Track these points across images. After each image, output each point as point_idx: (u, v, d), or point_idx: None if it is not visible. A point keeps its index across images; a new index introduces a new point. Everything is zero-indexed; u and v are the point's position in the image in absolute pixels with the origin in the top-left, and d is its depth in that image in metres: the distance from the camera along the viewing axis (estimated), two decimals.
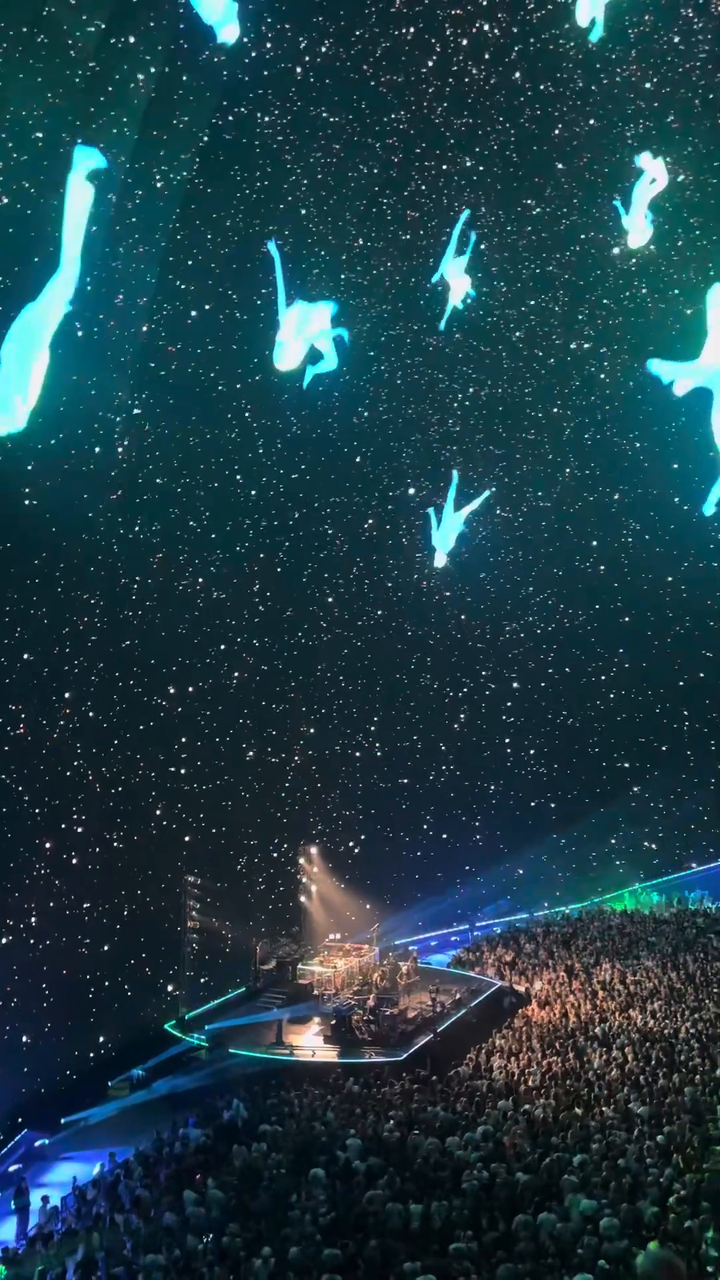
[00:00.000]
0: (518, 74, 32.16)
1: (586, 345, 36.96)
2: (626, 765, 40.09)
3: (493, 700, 38.16)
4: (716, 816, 39.84)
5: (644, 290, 35.90)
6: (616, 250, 33.91)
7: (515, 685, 38.51)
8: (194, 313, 27.64)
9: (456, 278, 25.79)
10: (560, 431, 38.00)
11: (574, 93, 32.79)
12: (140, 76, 24.35)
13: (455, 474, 27.28)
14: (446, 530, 26.82)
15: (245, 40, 25.28)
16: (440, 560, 27.75)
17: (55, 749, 24.17)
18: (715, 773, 39.65)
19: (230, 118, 27.51)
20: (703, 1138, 15.65)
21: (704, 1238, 12.14)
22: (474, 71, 31.81)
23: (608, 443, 38.35)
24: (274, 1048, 23.14)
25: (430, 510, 27.66)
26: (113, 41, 23.65)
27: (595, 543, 39.10)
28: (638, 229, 25.46)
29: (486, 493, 29.50)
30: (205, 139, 26.81)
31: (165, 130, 25.43)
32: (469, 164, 32.86)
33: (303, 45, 28.22)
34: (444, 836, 36.31)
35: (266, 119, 28.43)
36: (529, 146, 33.38)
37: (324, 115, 29.37)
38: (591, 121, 33.32)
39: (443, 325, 28.14)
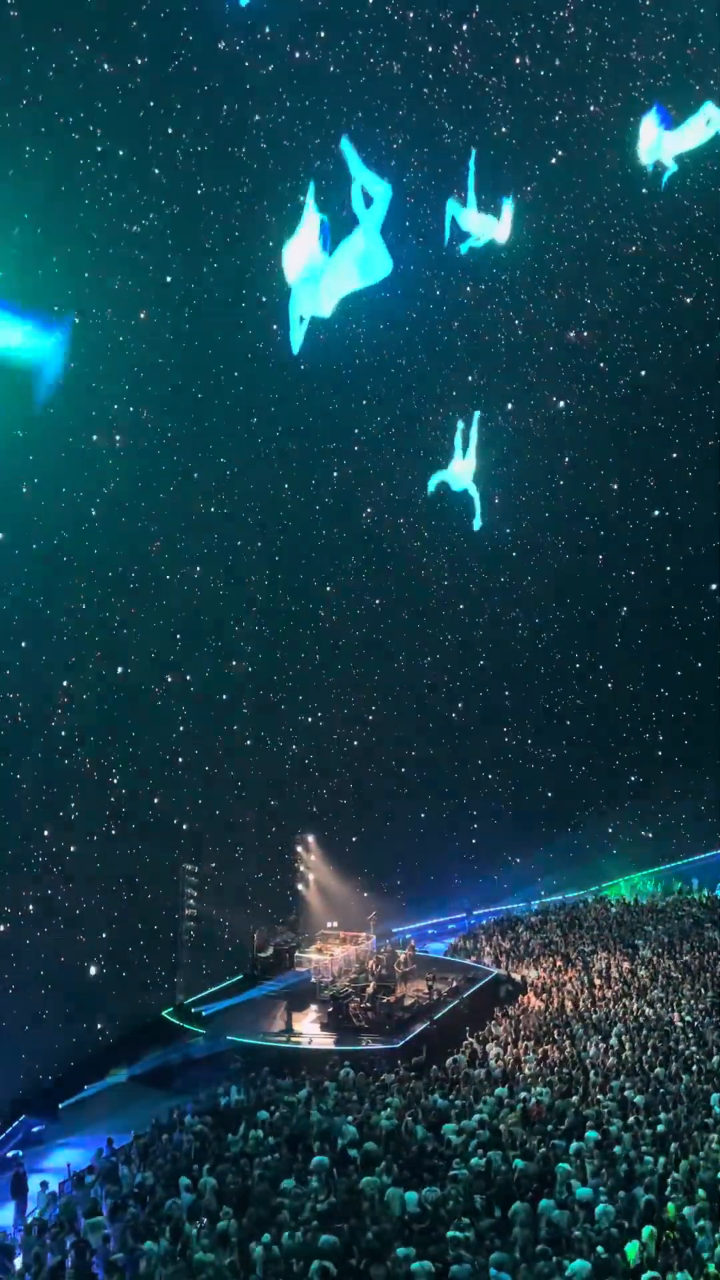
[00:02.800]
0: None
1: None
2: (624, 754, 40.19)
3: (491, 689, 38.17)
4: (713, 806, 39.96)
5: None
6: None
7: (513, 674, 38.50)
8: (191, 300, 27.46)
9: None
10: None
11: None
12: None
13: (476, 414, 26.94)
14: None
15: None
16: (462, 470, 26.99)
17: (52, 737, 24.12)
18: (712, 762, 39.76)
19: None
20: (698, 1126, 15.74)
21: (698, 1225, 12.21)
22: None
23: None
24: (278, 1035, 23.17)
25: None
26: None
27: (586, 531, 39.08)
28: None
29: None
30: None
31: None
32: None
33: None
34: (441, 825, 36.33)
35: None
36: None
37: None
38: None
39: None
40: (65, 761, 24.61)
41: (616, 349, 38.47)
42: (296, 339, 18.54)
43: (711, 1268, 11.24)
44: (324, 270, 17.45)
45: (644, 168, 24.61)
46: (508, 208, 24.73)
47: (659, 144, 23.32)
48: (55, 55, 22.86)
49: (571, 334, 38.13)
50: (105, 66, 24.23)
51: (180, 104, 26.34)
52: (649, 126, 23.41)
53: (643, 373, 38.77)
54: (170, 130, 26.26)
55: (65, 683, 24.60)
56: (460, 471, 26.39)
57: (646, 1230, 11.73)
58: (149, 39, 25.12)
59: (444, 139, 32.99)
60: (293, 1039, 23.11)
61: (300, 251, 17.65)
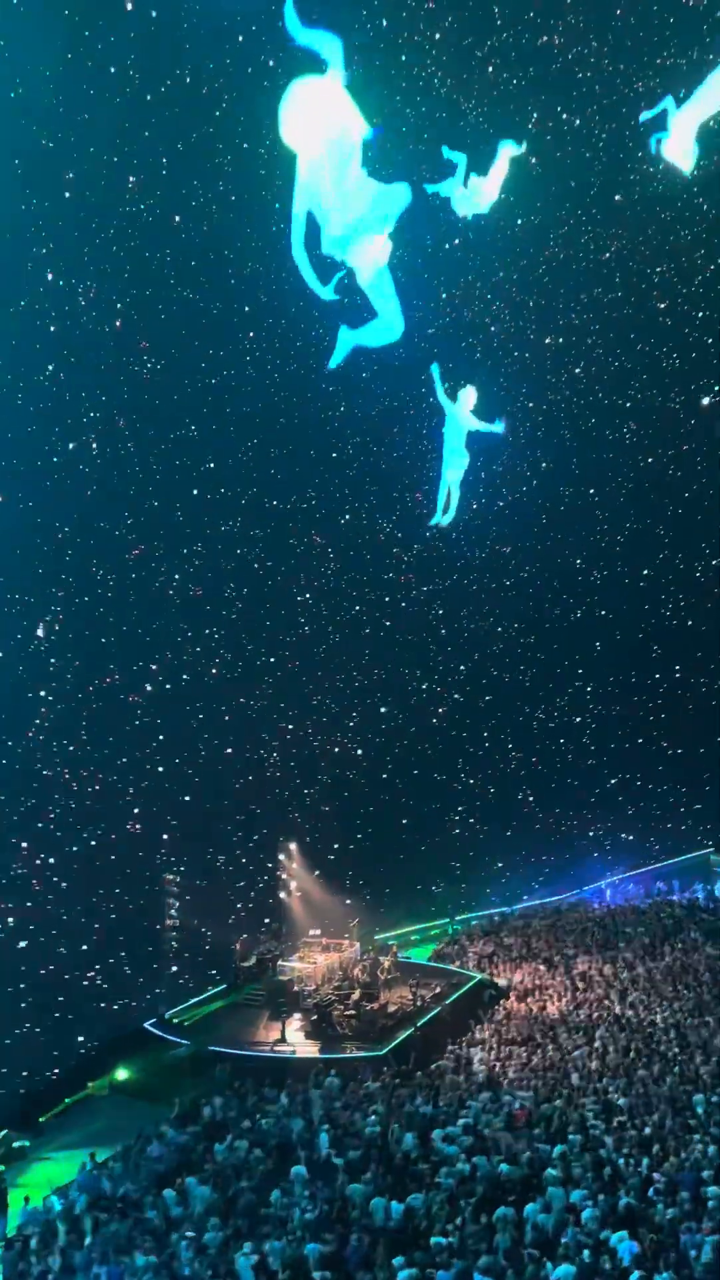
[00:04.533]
0: None
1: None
2: (605, 758, 40.34)
3: (471, 694, 38.26)
4: (693, 808, 40.18)
5: None
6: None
7: (493, 679, 38.60)
8: (167, 306, 27.46)
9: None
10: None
11: None
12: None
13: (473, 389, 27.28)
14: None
15: None
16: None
17: (31, 747, 24.01)
18: (691, 765, 39.97)
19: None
20: (682, 1127, 15.78)
21: (683, 1227, 12.24)
22: None
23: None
24: (272, 1044, 23.06)
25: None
26: None
27: (567, 535, 39.24)
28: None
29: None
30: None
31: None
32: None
33: None
34: (423, 831, 36.36)
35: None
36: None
37: None
38: None
39: None
40: (44, 772, 24.50)
41: (593, 353, 38.72)
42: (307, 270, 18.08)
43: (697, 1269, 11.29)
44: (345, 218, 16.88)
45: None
46: (506, 150, 24.80)
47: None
48: None
49: (548, 339, 38.32)
50: None
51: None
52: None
53: (619, 374, 38.98)
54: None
55: (43, 692, 24.49)
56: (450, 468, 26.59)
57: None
58: None
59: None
60: (278, 1048, 22.99)
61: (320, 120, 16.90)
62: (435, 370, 27.18)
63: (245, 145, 27.58)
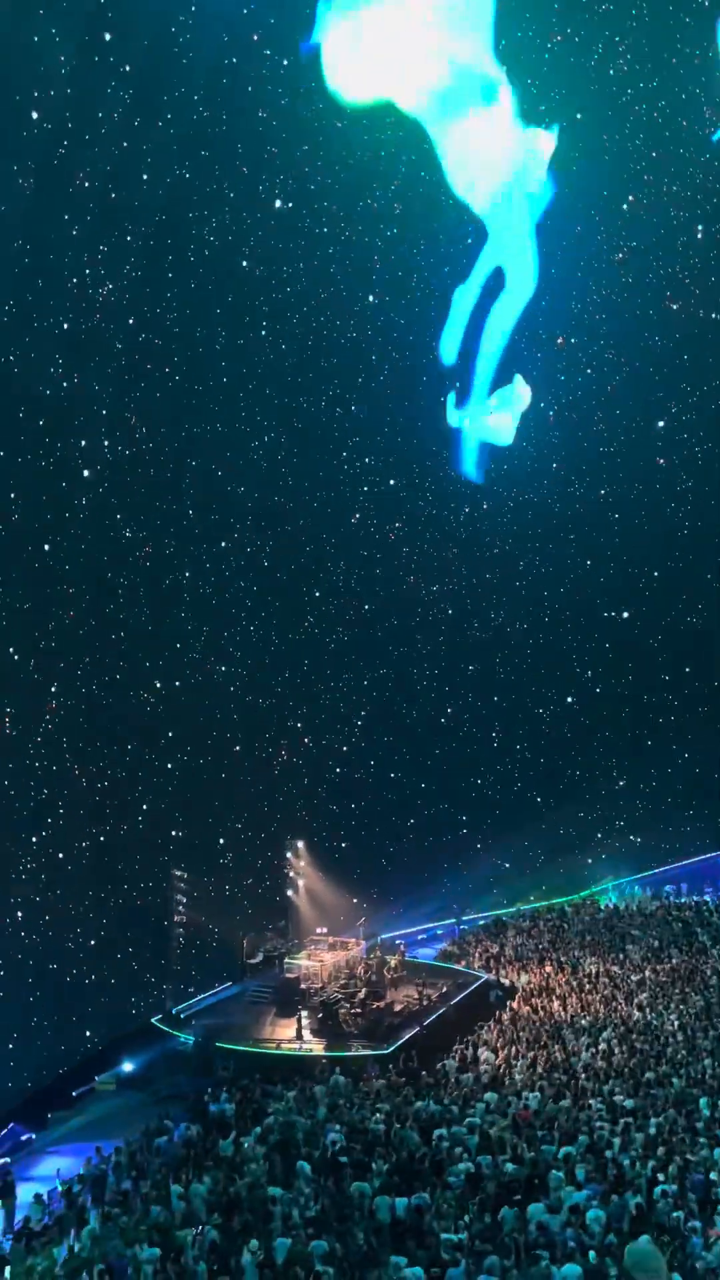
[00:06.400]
0: None
1: None
2: (614, 759, 40.26)
3: (480, 693, 38.23)
4: (701, 811, 40.07)
5: None
6: None
7: (502, 678, 38.58)
8: (182, 307, 27.51)
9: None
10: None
11: None
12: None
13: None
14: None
15: None
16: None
17: (42, 744, 24.08)
18: (702, 767, 39.86)
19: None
20: (687, 1129, 15.76)
21: (689, 1229, 12.23)
22: None
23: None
24: (289, 1041, 23.11)
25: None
26: None
27: (574, 536, 39.17)
28: None
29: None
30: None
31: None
32: None
33: None
34: (431, 830, 36.37)
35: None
36: None
37: None
38: None
39: None
40: (54, 768, 24.58)
41: (604, 355, 38.63)
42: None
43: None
44: None
45: None
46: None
47: None
48: None
49: (559, 339, 38.23)
50: None
51: None
52: None
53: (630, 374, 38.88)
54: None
55: (54, 689, 24.57)
56: (495, 425, 26.63)
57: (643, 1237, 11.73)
58: None
59: None
60: (295, 1045, 23.04)
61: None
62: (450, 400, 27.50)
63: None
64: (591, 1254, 11.49)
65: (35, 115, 22.65)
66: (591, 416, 38.68)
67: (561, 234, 35.12)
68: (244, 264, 28.68)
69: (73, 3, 23.05)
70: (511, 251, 32.61)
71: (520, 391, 30.32)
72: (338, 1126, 16.19)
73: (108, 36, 24.20)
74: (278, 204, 29.55)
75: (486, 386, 29.95)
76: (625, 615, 39.71)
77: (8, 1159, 19.13)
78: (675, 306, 37.86)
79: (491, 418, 29.25)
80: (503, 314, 33.83)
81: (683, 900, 36.03)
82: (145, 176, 26.01)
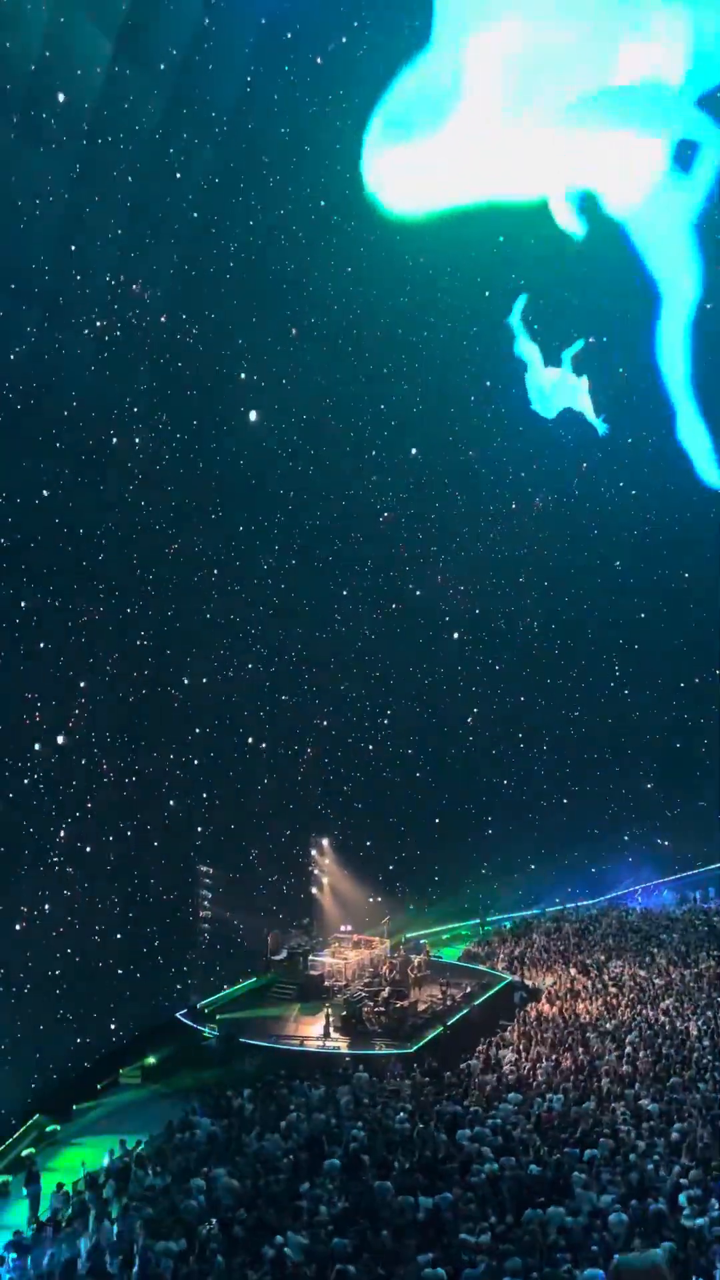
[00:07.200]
0: None
1: None
2: (641, 761, 40.00)
3: (506, 694, 38.08)
4: None
5: None
6: None
7: (529, 679, 38.40)
8: (212, 305, 27.59)
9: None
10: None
11: None
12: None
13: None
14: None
15: None
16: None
17: (70, 738, 24.26)
18: None
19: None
20: (713, 1135, 15.62)
21: (714, 1236, 12.12)
22: None
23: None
24: (317, 1039, 23.18)
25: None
26: None
27: (597, 532, 38.81)
28: None
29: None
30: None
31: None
32: None
33: None
34: (456, 830, 36.30)
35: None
36: None
37: None
38: None
39: None
40: (82, 762, 24.75)
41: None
42: None
43: None
44: None
45: None
46: None
47: None
48: None
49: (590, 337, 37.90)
50: None
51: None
52: None
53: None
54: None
55: (82, 684, 24.74)
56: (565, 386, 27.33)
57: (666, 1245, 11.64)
58: None
59: None
60: (304, 1043, 23.11)
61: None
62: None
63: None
64: (616, 1257, 11.42)
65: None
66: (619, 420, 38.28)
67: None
68: (275, 267, 28.71)
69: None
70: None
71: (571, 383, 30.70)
72: (360, 1124, 16.21)
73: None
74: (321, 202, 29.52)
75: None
76: (648, 618, 39.36)
77: (33, 1149, 19.33)
78: None
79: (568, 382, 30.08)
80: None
81: (710, 905, 35.75)
82: (179, 174, 26.11)
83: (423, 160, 28.19)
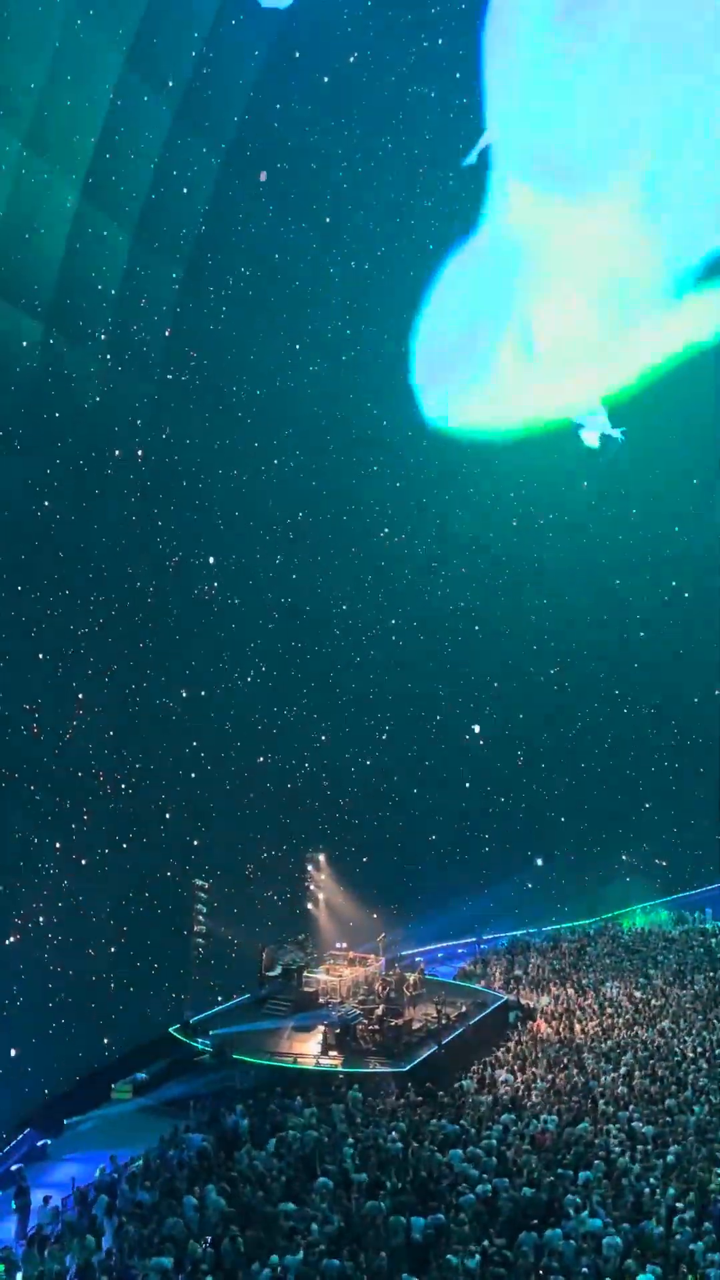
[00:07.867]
0: None
1: None
2: (639, 780, 39.88)
3: (505, 711, 38.01)
4: None
5: None
6: None
7: (527, 696, 38.32)
8: (217, 317, 27.75)
9: None
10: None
11: None
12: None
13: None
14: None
15: None
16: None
17: (67, 749, 24.20)
18: None
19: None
20: (708, 1158, 15.51)
21: (708, 1259, 12.03)
22: None
23: None
24: (315, 1056, 23.01)
25: None
26: None
27: (604, 559, 38.90)
28: None
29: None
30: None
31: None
32: None
33: None
34: (453, 847, 36.16)
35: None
36: None
37: None
38: None
39: None
40: (79, 774, 24.68)
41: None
42: None
43: None
44: None
45: None
46: None
47: None
48: None
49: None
50: None
51: None
52: None
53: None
54: None
55: (80, 695, 24.71)
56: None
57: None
58: None
59: None
60: (298, 1060, 22.93)
61: None
62: None
63: None
64: None
65: None
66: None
67: None
68: (283, 269, 28.90)
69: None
70: None
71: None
72: (352, 1143, 16.08)
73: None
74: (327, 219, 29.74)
75: None
76: (649, 636, 39.33)
77: (22, 1164, 19.14)
78: None
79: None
80: None
81: (708, 925, 35.58)
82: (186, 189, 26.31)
83: None
